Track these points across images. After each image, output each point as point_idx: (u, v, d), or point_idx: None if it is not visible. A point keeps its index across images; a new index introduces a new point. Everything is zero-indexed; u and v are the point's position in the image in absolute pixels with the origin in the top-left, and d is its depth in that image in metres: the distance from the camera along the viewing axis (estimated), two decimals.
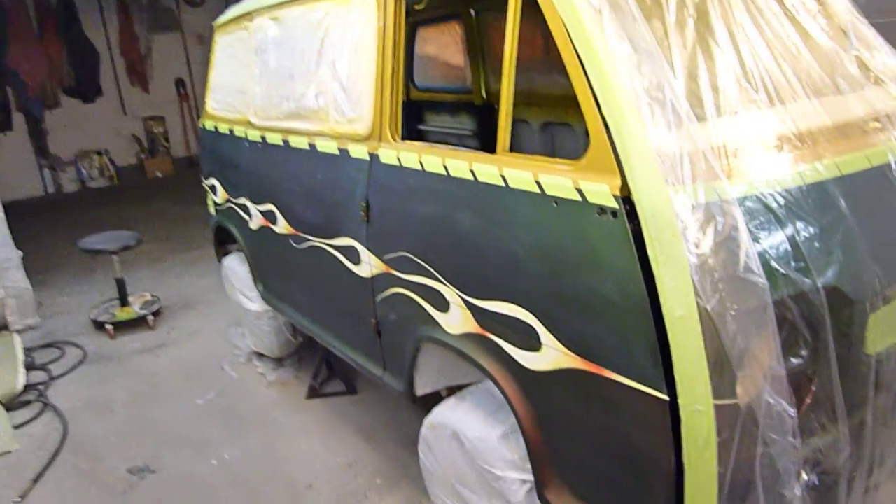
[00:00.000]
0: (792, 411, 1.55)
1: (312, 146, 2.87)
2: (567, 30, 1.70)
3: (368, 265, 2.57)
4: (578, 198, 1.68)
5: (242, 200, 3.63)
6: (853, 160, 1.84)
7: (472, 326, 2.10)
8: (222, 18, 3.90)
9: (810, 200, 1.69)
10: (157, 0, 10.31)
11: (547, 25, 1.76)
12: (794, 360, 1.61)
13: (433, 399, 2.55)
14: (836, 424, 1.68)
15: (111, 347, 4.67)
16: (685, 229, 1.51)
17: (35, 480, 3.22)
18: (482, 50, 4.18)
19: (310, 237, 2.98)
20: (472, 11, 4.10)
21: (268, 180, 3.35)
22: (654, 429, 1.60)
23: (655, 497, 1.66)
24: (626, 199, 1.57)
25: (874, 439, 1.78)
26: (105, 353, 4.59)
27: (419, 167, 2.24)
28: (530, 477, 2.05)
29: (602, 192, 1.62)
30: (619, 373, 1.65)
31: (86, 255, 5.08)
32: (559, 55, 1.73)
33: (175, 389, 4.02)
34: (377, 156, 2.46)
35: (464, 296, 2.11)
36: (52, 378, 4.25)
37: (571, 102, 1.72)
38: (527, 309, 1.88)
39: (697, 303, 1.49)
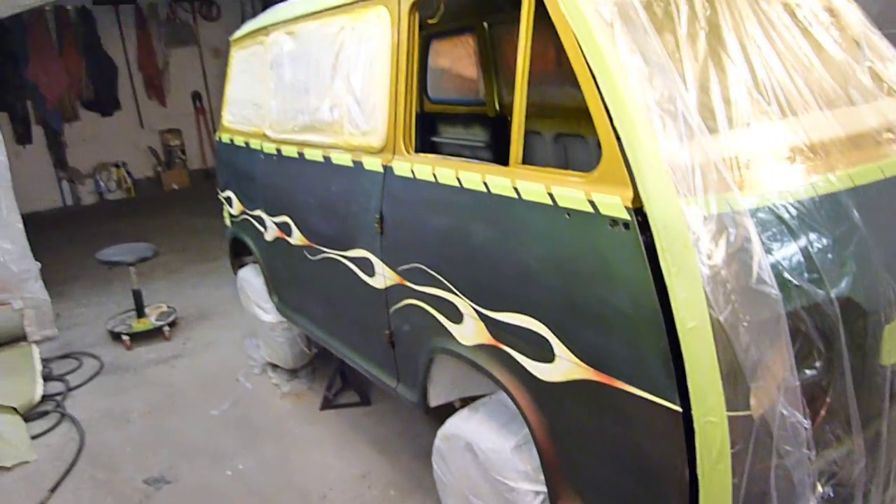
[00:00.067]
0: (806, 423, 1.54)
1: (327, 159, 2.90)
2: (579, 43, 1.71)
3: (382, 277, 2.59)
4: (591, 210, 1.69)
5: (258, 212, 3.67)
6: (866, 171, 1.84)
7: (485, 338, 2.11)
8: (238, 33, 3.95)
9: (823, 212, 1.69)
10: (175, 15, 10.45)
11: (559, 38, 1.78)
12: (807, 372, 1.61)
13: (447, 410, 2.55)
14: (850, 436, 1.67)
15: (128, 358, 4.71)
16: (697, 241, 1.51)
17: (52, 490, 3.25)
18: (495, 62, 4.20)
19: (324, 249, 3.00)
20: (485, 24, 4.13)
21: (283, 192, 3.38)
22: (667, 440, 1.60)
23: None
24: (639, 210, 1.58)
25: (890, 451, 1.76)
26: (122, 363, 4.63)
27: (433, 179, 2.26)
28: (543, 488, 2.05)
29: (614, 204, 1.63)
30: (631, 384, 1.65)
31: (103, 266, 5.13)
32: (571, 68, 1.75)
33: (190, 400, 4.05)
34: (391, 168, 2.48)
35: (477, 307, 2.12)
36: (70, 389, 4.29)
37: (584, 114, 1.73)
38: (540, 320, 1.88)
39: (710, 314, 1.49)
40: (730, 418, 1.50)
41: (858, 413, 1.66)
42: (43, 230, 7.18)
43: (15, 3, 5.13)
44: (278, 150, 3.36)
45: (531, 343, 1.92)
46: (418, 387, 2.55)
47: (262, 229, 3.66)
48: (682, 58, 1.78)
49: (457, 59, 4.46)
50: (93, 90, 9.91)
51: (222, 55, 10.12)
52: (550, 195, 1.81)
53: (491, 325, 2.08)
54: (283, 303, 3.75)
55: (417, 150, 2.47)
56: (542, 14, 1.84)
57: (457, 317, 2.22)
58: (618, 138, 1.62)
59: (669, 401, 1.56)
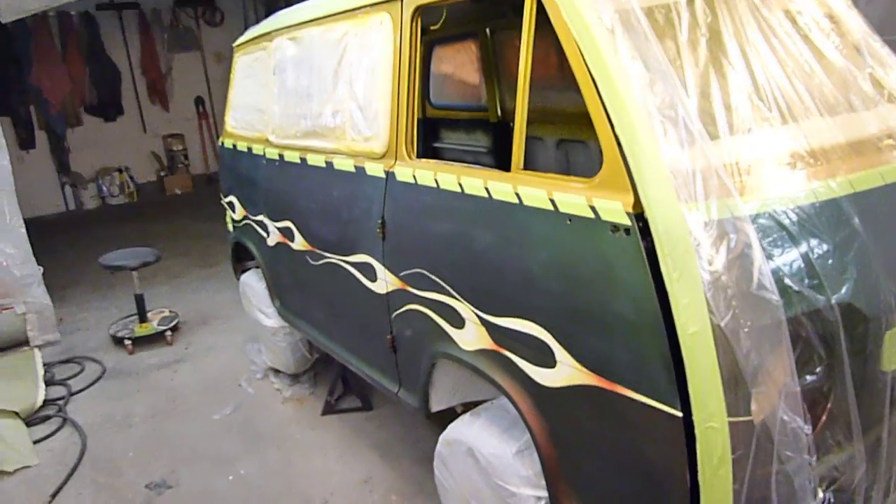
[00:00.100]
0: (807, 428, 1.55)
1: (329, 164, 2.91)
2: (580, 49, 1.72)
3: (384, 282, 2.59)
4: (592, 215, 1.69)
5: (260, 217, 3.68)
6: (867, 177, 1.84)
7: (486, 343, 2.12)
8: (242, 39, 3.97)
9: (823, 217, 1.69)
10: (178, 20, 10.48)
11: (561, 44, 1.78)
12: (808, 377, 1.61)
13: (448, 415, 2.56)
14: (851, 441, 1.67)
15: (130, 363, 4.72)
16: (698, 246, 1.52)
17: (54, 495, 3.26)
18: (497, 68, 4.21)
19: (326, 254, 3.01)
20: (488, 30, 4.14)
21: (285, 198, 3.40)
22: (668, 445, 1.60)
23: None
24: (640, 216, 1.58)
25: (890, 457, 1.76)
26: (124, 368, 4.64)
27: (434, 185, 2.27)
28: (545, 493, 2.05)
29: (615, 210, 1.63)
30: (632, 389, 1.65)
31: (106, 271, 5.15)
32: (573, 74, 1.76)
33: (192, 405, 4.06)
34: (393, 173, 2.49)
35: (479, 312, 2.12)
36: (72, 393, 4.29)
37: (585, 120, 1.74)
38: (541, 325, 1.89)
39: (711, 319, 1.49)
40: (731, 424, 1.51)
41: (859, 419, 1.67)
42: (46, 235, 7.22)
43: (19, 7, 5.16)
44: (281, 156, 3.37)
45: (533, 348, 1.92)
46: (420, 392, 2.56)
47: (264, 234, 3.67)
48: (683, 64, 1.79)
49: (459, 64, 4.47)
50: (96, 95, 9.94)
51: (225, 60, 10.21)
52: (552, 201, 1.81)
53: (492, 330, 2.08)
54: (284, 308, 3.76)
55: (420, 156, 2.48)
56: (543, 20, 1.84)
57: (458, 322, 2.23)
58: (619, 144, 1.62)
59: (670, 406, 1.56)
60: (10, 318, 4.81)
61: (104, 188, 10.24)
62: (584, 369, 1.78)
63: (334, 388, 3.82)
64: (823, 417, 1.67)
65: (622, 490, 1.83)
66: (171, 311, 5.28)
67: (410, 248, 2.45)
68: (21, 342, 4.86)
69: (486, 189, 2.04)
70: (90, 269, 6.31)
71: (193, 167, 11.05)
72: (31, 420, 3.93)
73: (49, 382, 4.39)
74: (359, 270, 2.76)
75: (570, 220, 1.76)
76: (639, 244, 1.58)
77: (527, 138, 1.99)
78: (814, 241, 1.65)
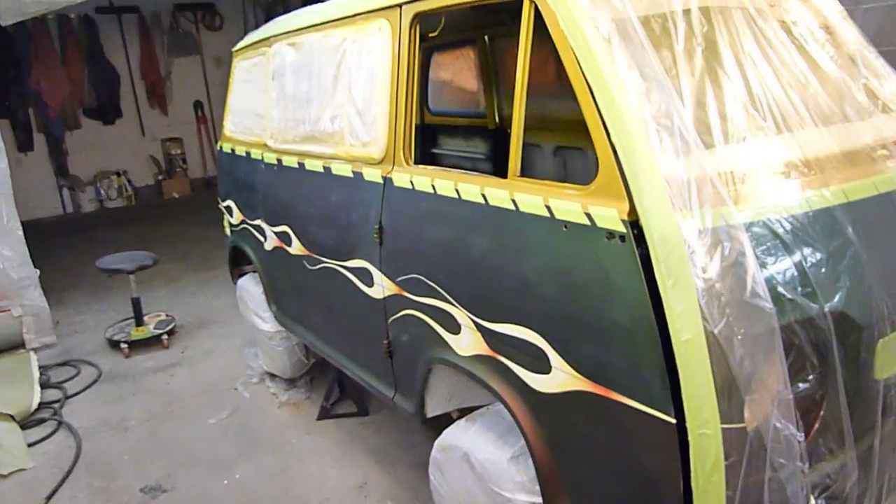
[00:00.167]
0: (800, 436, 1.56)
1: (327, 169, 2.92)
2: (577, 58, 1.73)
3: (381, 287, 2.60)
4: (587, 222, 1.71)
5: (258, 222, 3.69)
6: (860, 187, 1.86)
7: (482, 349, 2.12)
8: (241, 44, 3.98)
9: (817, 226, 1.71)
10: (178, 24, 10.51)
11: (558, 53, 1.80)
12: (801, 385, 1.62)
13: (444, 421, 2.56)
14: (844, 449, 1.68)
15: (126, 366, 4.72)
16: (693, 254, 1.53)
17: (49, 498, 3.25)
18: (495, 75, 4.23)
19: (323, 259, 3.02)
20: (486, 38, 4.16)
21: (283, 202, 3.40)
22: (662, 452, 1.61)
23: None
24: (635, 223, 1.60)
25: (882, 464, 1.77)
26: (120, 371, 4.64)
27: (432, 191, 2.28)
28: (540, 499, 2.05)
29: (611, 217, 1.65)
30: (627, 396, 1.66)
31: (103, 274, 5.14)
32: (570, 82, 1.77)
33: (188, 409, 4.06)
34: (391, 179, 2.50)
35: (475, 318, 2.13)
36: (67, 396, 4.29)
37: (582, 127, 1.75)
38: (536, 332, 1.90)
39: (705, 327, 1.50)
40: (724, 430, 1.52)
41: (852, 427, 1.68)
42: (43, 237, 7.21)
43: (19, 10, 5.17)
44: (279, 160, 3.38)
45: (528, 354, 1.93)
46: (416, 397, 2.56)
47: (261, 239, 3.68)
48: (678, 73, 1.81)
49: (457, 71, 4.49)
50: (95, 98, 9.95)
51: (224, 65, 10.24)
52: (548, 207, 1.83)
53: (488, 336, 2.09)
54: (281, 312, 3.76)
55: (417, 162, 2.49)
56: (541, 28, 1.86)
57: (454, 328, 2.24)
58: (615, 152, 1.64)
59: (664, 412, 1.57)
60: (6, 320, 4.82)
61: (102, 191, 10.24)
62: (578, 375, 1.79)
63: (330, 392, 3.83)
64: (816, 425, 1.67)
65: (616, 496, 1.84)
66: (167, 315, 5.28)
67: (407, 254, 2.46)
68: (17, 345, 4.87)
69: (483, 195, 2.05)
70: (87, 273, 6.31)
71: (192, 171, 11.07)
72: (26, 423, 3.93)
73: (45, 385, 4.38)
74: (356, 275, 2.77)
75: (565, 227, 1.78)
76: (634, 251, 1.59)
77: (524, 145, 2.01)
78: (807, 250, 1.67)
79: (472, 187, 2.10)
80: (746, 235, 1.58)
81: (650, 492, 1.71)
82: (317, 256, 3.08)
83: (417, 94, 2.52)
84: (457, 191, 2.16)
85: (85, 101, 9.92)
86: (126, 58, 10.22)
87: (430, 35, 3.26)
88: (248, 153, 3.78)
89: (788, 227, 1.67)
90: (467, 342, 2.19)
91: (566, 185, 1.85)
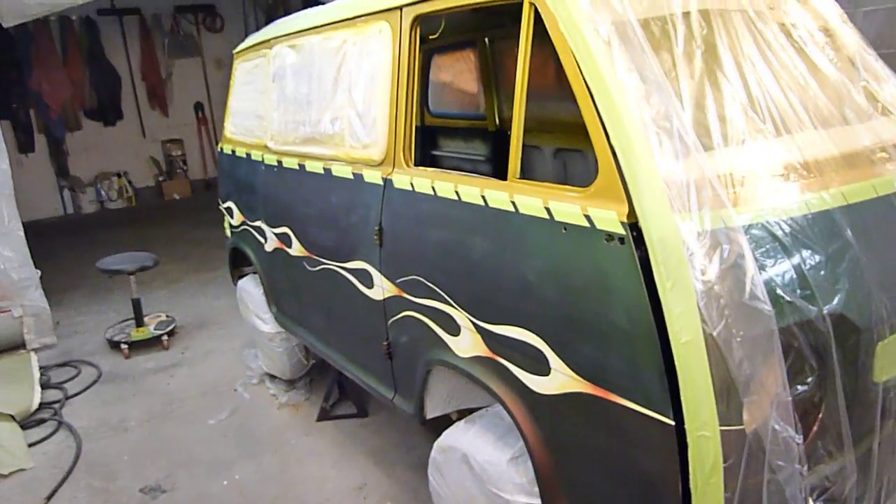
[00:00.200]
0: (798, 438, 1.56)
1: (328, 171, 2.92)
2: (576, 61, 1.74)
3: (381, 288, 2.61)
4: (587, 224, 1.71)
5: (258, 223, 3.69)
6: (859, 189, 1.86)
7: (481, 350, 2.13)
8: (242, 46, 3.99)
9: (816, 229, 1.71)
10: (179, 26, 10.52)
11: (557, 55, 1.80)
12: (800, 387, 1.62)
13: (443, 422, 2.56)
14: (842, 452, 1.68)
15: (126, 367, 4.72)
16: (691, 256, 1.53)
17: (48, 498, 3.25)
18: (496, 77, 4.24)
19: (324, 260, 3.02)
20: (486, 40, 4.17)
21: (283, 204, 3.41)
22: (660, 454, 1.61)
23: None
24: (634, 225, 1.60)
25: (881, 467, 1.78)
26: (120, 372, 4.64)
27: (432, 192, 2.28)
28: (539, 501, 2.05)
29: (610, 219, 1.65)
30: (626, 397, 1.67)
31: (104, 275, 5.15)
32: (569, 84, 1.78)
33: (188, 409, 4.06)
34: (391, 181, 2.50)
35: (474, 320, 2.14)
36: (68, 397, 4.29)
37: (582, 130, 1.75)
38: (536, 333, 1.90)
39: (703, 329, 1.51)
40: (723, 432, 1.52)
41: (851, 429, 1.68)
42: (44, 238, 7.22)
43: (21, 12, 5.18)
44: (279, 162, 3.38)
45: (527, 356, 1.94)
46: (415, 398, 2.56)
47: (262, 240, 3.68)
48: (678, 76, 1.81)
49: (458, 73, 4.50)
50: (96, 99, 9.97)
51: (225, 66, 10.25)
52: (547, 209, 1.83)
53: (488, 337, 2.09)
54: (281, 313, 3.76)
55: (418, 164, 2.50)
56: (541, 31, 1.86)
57: (454, 329, 2.24)
58: (614, 154, 1.64)
59: (663, 414, 1.57)
60: (7, 321, 4.82)
61: (103, 192, 10.26)
62: (577, 377, 1.79)
63: (330, 394, 3.83)
64: (815, 427, 1.67)
65: (615, 497, 1.84)
66: (168, 316, 5.29)
67: (407, 255, 2.46)
68: (18, 345, 4.87)
69: (483, 197, 2.06)
70: (88, 273, 6.31)
71: (192, 172, 11.08)
72: (26, 423, 3.93)
73: (45, 386, 4.39)
74: (356, 277, 2.77)
75: (565, 229, 1.78)
76: (633, 253, 1.59)
77: (524, 147, 2.01)
78: (806, 253, 1.67)
79: (472, 189, 2.11)
80: (745, 238, 1.58)
81: (649, 493, 1.71)
82: (317, 258, 3.09)
83: (418, 96, 2.53)
84: (457, 192, 2.17)
85: (86, 103, 9.94)
86: (127, 59, 10.23)
87: (431, 37, 3.27)
88: (248, 155, 3.78)
89: (787, 229, 1.67)
90: (467, 344, 2.19)
91: (566, 187, 1.85)
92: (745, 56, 1.96)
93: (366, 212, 2.64)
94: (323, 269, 3.04)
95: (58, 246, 7.99)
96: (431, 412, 2.57)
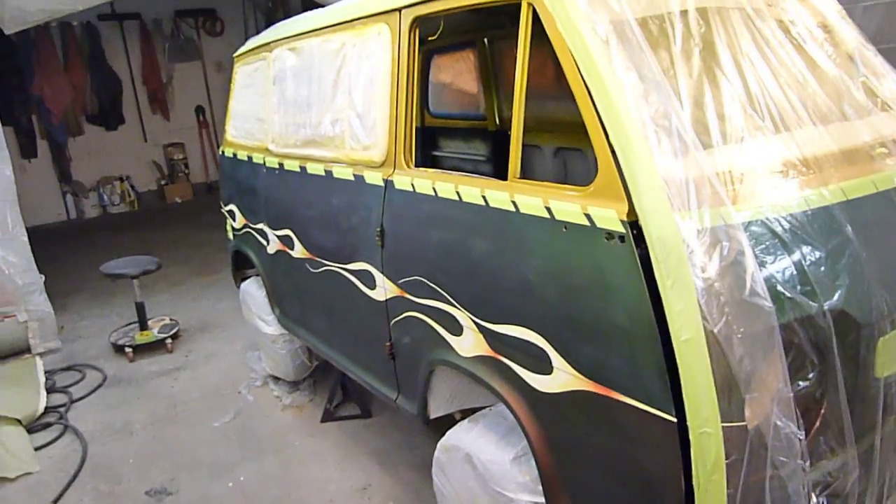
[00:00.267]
0: (801, 434, 1.56)
1: (329, 173, 2.93)
2: (575, 60, 1.74)
3: (383, 289, 2.61)
4: (587, 223, 1.72)
5: (260, 226, 3.70)
6: (859, 185, 1.86)
7: (484, 350, 2.13)
8: (242, 49, 4.00)
9: (816, 225, 1.71)
10: (179, 30, 10.54)
11: (556, 54, 1.81)
12: (801, 383, 1.62)
13: (447, 422, 2.57)
14: (845, 447, 1.68)
15: (130, 370, 4.74)
16: (691, 253, 1.54)
17: (55, 501, 3.27)
18: (495, 77, 4.24)
19: (326, 262, 3.03)
20: (485, 40, 4.17)
21: (285, 206, 3.42)
22: (663, 451, 1.62)
23: None
24: (634, 224, 1.60)
25: (883, 462, 1.78)
26: (124, 375, 4.66)
27: (432, 193, 2.29)
28: (542, 499, 2.06)
29: (610, 218, 1.65)
30: (628, 395, 1.67)
31: (107, 279, 5.16)
32: (568, 84, 1.78)
33: (192, 412, 4.07)
34: (392, 182, 2.51)
35: (476, 319, 2.14)
36: (73, 400, 4.31)
37: (581, 129, 1.76)
38: (538, 332, 1.90)
39: (704, 326, 1.51)
40: (725, 429, 1.52)
41: (852, 425, 1.68)
42: (47, 243, 7.24)
43: (23, 19, 5.20)
44: (281, 165, 3.39)
45: (529, 355, 1.94)
46: (418, 399, 2.57)
47: (264, 242, 3.69)
48: (676, 74, 1.81)
49: (457, 74, 4.50)
50: (97, 104, 9.99)
51: (225, 70, 10.27)
52: (548, 209, 1.83)
53: (490, 337, 2.10)
54: (284, 315, 3.77)
55: (418, 165, 2.50)
56: (539, 31, 1.87)
57: (456, 329, 2.24)
58: (613, 153, 1.65)
59: (665, 412, 1.58)
60: (11, 326, 4.83)
61: (105, 197, 10.29)
62: (580, 375, 1.79)
63: (333, 395, 3.84)
64: (817, 423, 1.68)
65: (618, 495, 1.84)
66: (171, 319, 5.30)
67: (409, 256, 2.47)
68: (23, 350, 4.87)
69: (484, 197, 2.06)
70: (91, 278, 6.33)
71: (194, 176, 11.10)
72: (32, 427, 3.95)
73: (50, 390, 4.40)
74: (358, 278, 2.78)
75: (565, 228, 1.78)
76: (633, 252, 1.60)
77: (525, 147, 2.01)
78: (806, 249, 1.67)
79: (472, 189, 2.11)
80: (745, 235, 1.58)
81: (651, 490, 1.71)
82: (319, 259, 3.09)
83: (417, 97, 2.54)
84: (457, 193, 2.17)
85: (87, 108, 9.97)
86: (128, 64, 10.26)
87: (430, 38, 3.27)
88: (249, 157, 3.79)
89: (787, 225, 1.67)
90: (469, 343, 2.20)
91: (566, 186, 1.85)
92: (744, 53, 1.96)
93: (367, 213, 2.65)
94: (325, 270, 3.04)
95: (61, 250, 8.02)
96: (435, 412, 2.58)
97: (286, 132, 3.34)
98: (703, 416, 1.52)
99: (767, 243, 1.64)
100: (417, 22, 2.42)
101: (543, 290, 1.88)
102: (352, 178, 2.75)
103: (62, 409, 4.17)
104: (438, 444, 2.48)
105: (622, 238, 1.62)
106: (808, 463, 1.59)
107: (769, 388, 1.55)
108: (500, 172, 2.09)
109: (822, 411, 1.68)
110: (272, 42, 3.51)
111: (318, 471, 3.36)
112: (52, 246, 7.94)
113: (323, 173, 2.98)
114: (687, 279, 1.52)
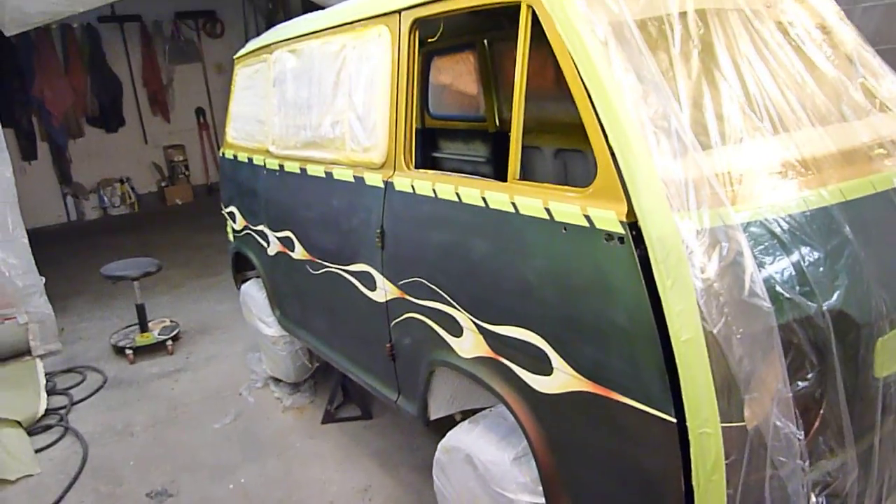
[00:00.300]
0: (800, 434, 1.56)
1: (329, 174, 2.94)
2: (574, 61, 1.75)
3: (383, 290, 2.62)
4: (586, 224, 1.72)
5: (261, 227, 3.71)
6: (858, 186, 1.87)
7: (484, 351, 2.14)
8: (242, 51, 4.01)
9: (815, 225, 1.72)
10: (179, 32, 10.55)
11: (555, 56, 1.81)
12: (800, 384, 1.63)
13: (447, 423, 2.57)
14: (844, 447, 1.68)
15: (131, 372, 4.74)
16: (691, 254, 1.54)
17: None
18: (495, 79, 4.25)
19: (326, 263, 3.04)
20: (485, 42, 4.18)
21: (285, 208, 3.42)
22: (662, 451, 1.62)
23: None
24: (633, 225, 1.61)
25: (883, 462, 1.78)
26: (125, 377, 4.66)
27: (432, 195, 2.29)
28: (542, 500, 2.06)
29: (609, 219, 1.66)
30: (627, 396, 1.67)
31: (107, 281, 5.17)
32: (567, 85, 1.79)
33: (193, 414, 4.07)
34: (392, 183, 2.51)
35: (476, 320, 2.15)
36: (73, 402, 4.31)
37: (581, 130, 1.76)
38: (538, 333, 1.91)
39: (704, 326, 1.51)
40: (724, 429, 1.53)
41: (852, 425, 1.68)
42: (47, 245, 7.25)
43: (23, 21, 5.21)
44: (281, 166, 3.40)
45: (530, 356, 1.95)
46: (419, 400, 2.57)
47: (264, 244, 3.70)
48: (675, 76, 1.82)
49: (457, 75, 4.51)
50: (98, 106, 10.00)
51: (226, 71, 10.28)
52: (547, 210, 1.84)
53: (490, 338, 2.10)
54: (285, 317, 3.78)
55: (419, 166, 2.51)
56: (538, 32, 1.87)
57: (456, 330, 2.25)
58: (612, 154, 1.65)
59: (665, 412, 1.58)
60: (12, 328, 4.83)
61: (105, 199, 10.29)
62: (579, 376, 1.80)
63: (334, 396, 3.84)
64: (816, 423, 1.68)
65: (618, 495, 1.84)
66: (171, 321, 5.31)
67: (409, 258, 2.47)
68: (23, 352, 4.87)
69: (483, 199, 2.07)
70: (92, 280, 6.33)
71: (194, 178, 11.11)
72: (32, 429, 3.95)
73: (51, 392, 4.40)
74: (358, 279, 2.78)
75: (565, 229, 1.79)
76: (632, 252, 1.60)
77: (525, 148, 2.02)
78: (805, 249, 1.67)
79: (472, 191, 2.12)
80: (744, 235, 1.59)
81: (651, 491, 1.72)
82: (319, 261, 3.10)
83: (417, 99, 2.54)
84: (457, 194, 2.18)
85: (88, 110, 9.97)
86: (128, 66, 10.27)
87: (430, 40, 3.27)
88: (250, 159, 3.80)
89: (786, 226, 1.68)
90: (469, 344, 2.20)
91: (565, 187, 1.86)
92: (743, 55, 1.97)
93: (367, 215, 2.65)
94: (325, 272, 3.05)
95: (61, 252, 8.02)
96: (435, 413, 2.58)
97: (286, 134, 3.34)
98: (702, 417, 1.52)
99: (766, 244, 1.64)
100: (417, 24, 2.42)
101: (543, 291, 1.88)
102: (352, 179, 2.76)
103: (63, 411, 4.17)
104: (439, 445, 2.49)
105: (622, 239, 1.63)
106: (807, 463, 1.59)
107: (768, 389, 1.55)
108: (500, 174, 2.09)
109: (822, 411, 1.68)
110: (272, 44, 3.52)
111: (319, 472, 3.36)
112: (52, 248, 7.95)
113: (323, 175, 2.98)
114: (686, 280, 1.52)
